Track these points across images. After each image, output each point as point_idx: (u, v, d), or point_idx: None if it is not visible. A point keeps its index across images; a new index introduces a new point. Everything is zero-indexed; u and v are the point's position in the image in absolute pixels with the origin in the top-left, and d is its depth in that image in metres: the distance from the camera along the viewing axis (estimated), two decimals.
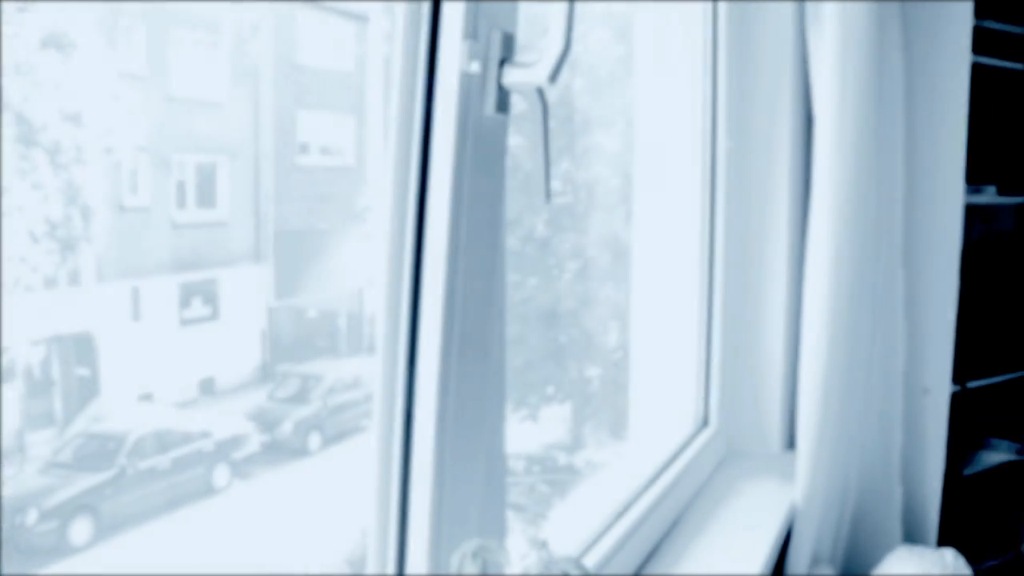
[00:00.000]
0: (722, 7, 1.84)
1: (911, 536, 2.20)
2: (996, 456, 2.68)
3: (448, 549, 0.81)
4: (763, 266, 1.94)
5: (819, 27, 1.76)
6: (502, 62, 0.82)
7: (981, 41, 2.45)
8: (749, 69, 1.90)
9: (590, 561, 1.27)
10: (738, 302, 1.94)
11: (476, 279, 0.83)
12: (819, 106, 1.75)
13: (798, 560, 1.78)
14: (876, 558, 1.88)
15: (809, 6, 1.81)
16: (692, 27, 1.82)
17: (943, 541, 2.25)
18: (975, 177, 2.53)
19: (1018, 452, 2.71)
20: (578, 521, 1.39)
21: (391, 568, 0.86)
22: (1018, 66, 2.61)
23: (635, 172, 1.86)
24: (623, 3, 2.03)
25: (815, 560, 1.86)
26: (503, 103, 0.83)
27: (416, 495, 0.84)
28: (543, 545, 0.68)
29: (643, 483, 1.55)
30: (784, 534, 1.71)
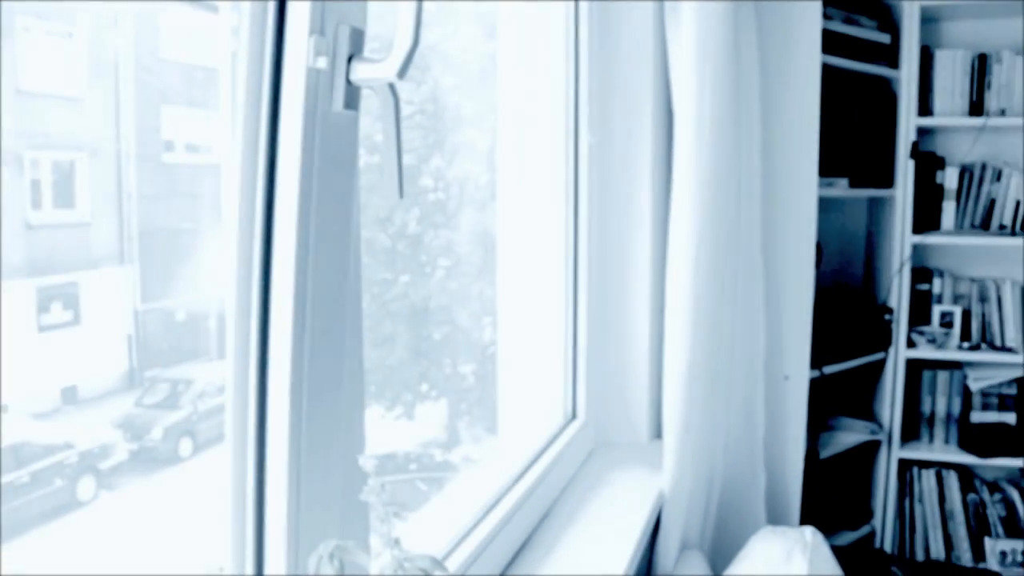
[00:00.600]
0: (583, 5, 1.89)
1: (775, 517, 2.29)
2: (852, 437, 2.84)
3: (307, 550, 0.81)
4: (627, 260, 1.99)
5: (677, 26, 1.82)
6: (350, 58, 0.82)
7: (831, 42, 2.60)
8: (611, 66, 1.95)
9: (459, 557, 1.29)
10: (603, 296, 1.99)
11: (327, 277, 0.83)
12: (678, 103, 1.82)
13: (667, 546, 1.84)
14: (743, 540, 1.94)
15: (668, 5, 1.88)
16: (554, 24, 1.86)
17: (805, 520, 2.38)
18: (828, 170, 2.67)
19: (872, 432, 2.89)
20: (448, 518, 1.40)
21: (250, 570, 0.85)
22: (865, 66, 2.77)
23: (499, 168, 1.88)
24: (487, 1, 2.05)
25: (684, 545, 1.93)
26: (352, 99, 0.83)
27: (272, 496, 0.83)
28: (396, 543, 0.69)
29: (512, 478, 1.57)
30: (653, 522, 1.76)
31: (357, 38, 0.83)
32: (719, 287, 1.87)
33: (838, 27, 2.70)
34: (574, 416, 1.96)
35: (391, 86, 0.84)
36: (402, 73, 0.80)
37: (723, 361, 1.99)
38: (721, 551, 2.15)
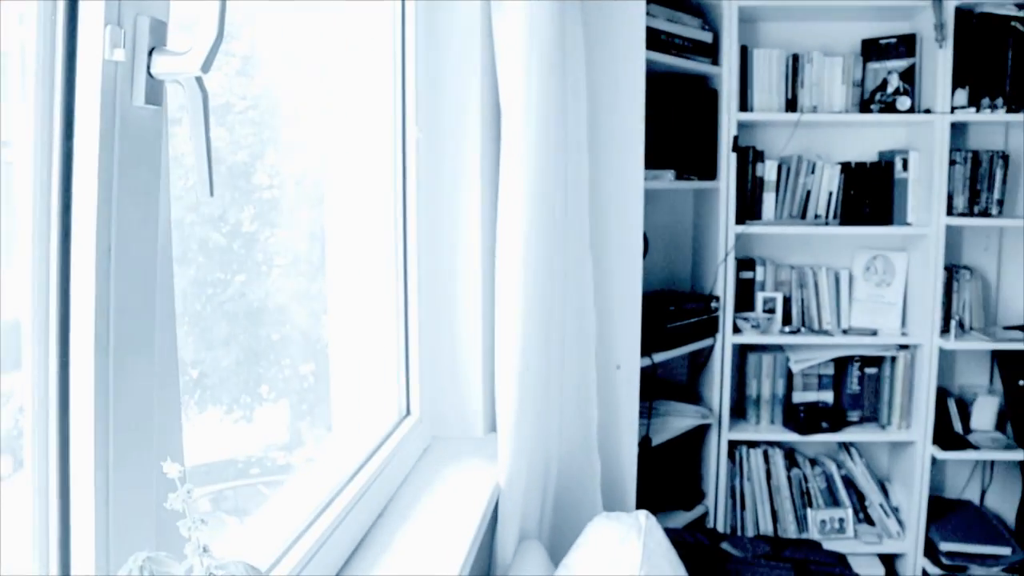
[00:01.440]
0: (410, 2, 1.90)
1: (612, 504, 2.38)
2: (683, 422, 2.99)
3: (119, 562, 0.79)
4: (458, 255, 2.01)
5: (504, 22, 1.86)
6: (152, 51, 0.80)
7: (655, 40, 2.71)
8: (438, 61, 1.96)
9: (292, 560, 1.28)
10: (434, 291, 2.00)
11: (133, 279, 0.80)
12: (505, 98, 1.86)
13: (506, 538, 1.87)
14: (581, 528, 1.99)
15: (494, 4, 1.91)
16: (381, 18, 1.86)
17: (641, 504, 2.48)
18: (654, 163, 2.79)
19: (703, 416, 3.05)
20: (282, 521, 1.39)
21: None
22: (689, 64, 2.91)
23: (328, 165, 1.87)
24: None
25: (523, 536, 1.97)
26: (155, 94, 0.81)
27: (78, 510, 0.80)
28: (205, 551, 0.68)
29: (345, 477, 1.57)
30: (491, 514, 1.80)
31: (159, 29, 0.81)
32: (549, 280, 1.92)
33: (662, 25, 2.82)
34: (408, 412, 1.97)
35: (199, 80, 0.83)
36: (206, 67, 0.79)
37: (555, 352, 2.05)
38: (560, 539, 2.21)
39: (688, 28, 2.92)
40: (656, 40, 2.77)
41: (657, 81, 3.01)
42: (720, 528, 3.16)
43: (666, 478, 3.12)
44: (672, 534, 2.63)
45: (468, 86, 1.97)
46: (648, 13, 2.67)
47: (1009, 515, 3.36)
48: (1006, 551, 3.08)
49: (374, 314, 1.89)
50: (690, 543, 2.62)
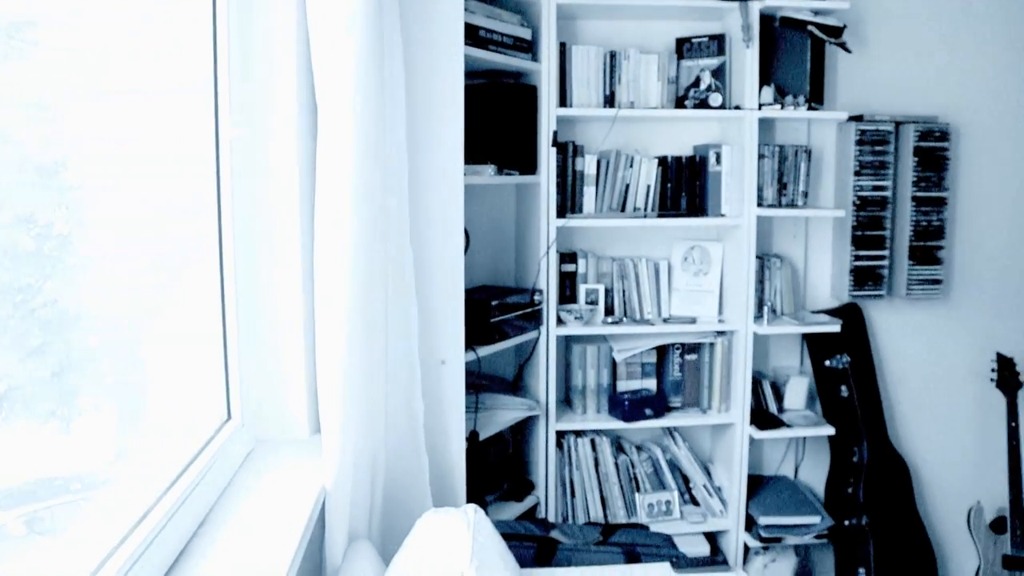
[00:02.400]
0: None
1: (443, 500, 2.43)
2: (511, 415, 3.09)
3: None
4: (278, 256, 2.01)
5: (320, 15, 1.88)
6: None
7: (475, 35, 2.78)
8: (253, 56, 1.96)
9: (109, 573, 1.27)
10: (253, 292, 2.00)
11: None
12: (321, 93, 1.87)
13: (335, 540, 1.89)
14: (411, 526, 2.02)
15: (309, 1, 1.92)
16: (194, 12, 1.85)
17: (472, 499, 2.55)
18: (476, 158, 2.87)
19: (530, 409, 3.16)
20: (98, 535, 1.37)
21: None
22: (509, 59, 3.01)
23: (141, 165, 1.84)
24: None
25: (352, 537, 2.00)
26: None
27: None
28: None
29: (163, 488, 1.57)
30: (318, 517, 1.81)
31: None
32: (369, 277, 1.95)
33: (481, 21, 2.90)
34: (229, 417, 1.96)
35: None
36: None
37: (378, 350, 2.08)
38: (391, 538, 2.25)
39: (508, 24, 3.01)
40: (475, 36, 2.85)
41: (477, 77, 3.11)
42: (551, 517, 3.28)
43: (496, 471, 3.22)
44: (503, 526, 2.73)
45: (284, 81, 1.98)
46: (467, 9, 2.74)
47: (820, 487, 3.66)
48: (816, 520, 3.36)
49: (191, 317, 1.88)
50: (521, 534, 2.72)
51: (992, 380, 3.62)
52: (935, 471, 3.83)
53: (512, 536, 2.67)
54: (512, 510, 3.13)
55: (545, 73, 3.11)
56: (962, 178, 3.69)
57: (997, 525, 3.46)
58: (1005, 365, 3.58)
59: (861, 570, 3.47)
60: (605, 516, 3.34)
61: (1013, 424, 3.47)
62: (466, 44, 2.65)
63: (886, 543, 3.47)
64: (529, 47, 3.10)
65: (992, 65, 3.68)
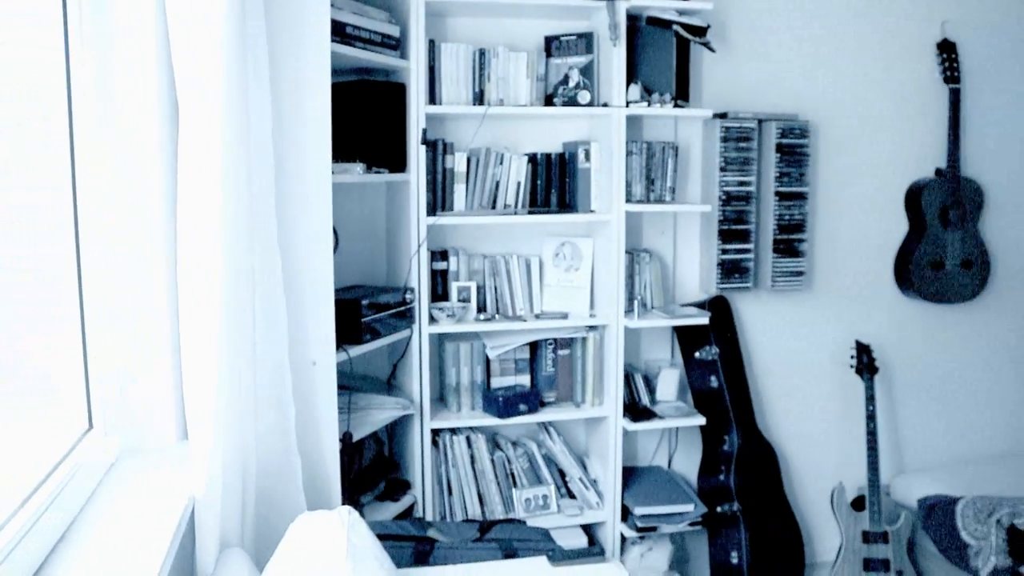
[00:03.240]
0: None
1: (317, 503, 2.44)
2: (385, 414, 3.14)
3: None
4: (140, 257, 2.01)
5: (179, 10, 1.87)
6: None
7: (342, 31, 2.81)
8: (111, 54, 1.95)
9: None
10: (114, 298, 1.99)
11: None
12: (182, 92, 1.87)
13: (206, 548, 1.88)
14: (285, 531, 2.01)
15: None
16: (46, 12, 1.82)
17: (349, 500, 2.58)
18: (344, 155, 2.90)
19: (404, 408, 3.22)
20: None
21: None
22: (377, 56, 3.04)
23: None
24: None
25: (224, 545, 2.00)
26: None
27: None
28: None
29: (15, 504, 1.55)
30: (187, 526, 1.81)
31: None
32: (235, 277, 1.96)
33: (348, 18, 2.92)
34: (91, 426, 1.95)
35: None
36: None
37: (246, 353, 2.09)
38: (265, 544, 2.26)
39: (375, 21, 3.04)
40: (343, 33, 2.88)
41: (346, 74, 3.14)
42: (429, 516, 3.34)
43: (371, 471, 3.26)
44: (379, 527, 2.77)
45: (143, 79, 1.97)
46: (334, 5, 2.77)
47: (693, 475, 3.84)
48: (690, 508, 3.52)
49: (48, 322, 1.86)
50: (398, 534, 2.77)
51: (851, 366, 3.87)
52: (801, 455, 4.07)
53: (389, 536, 2.72)
54: (389, 510, 3.18)
55: (414, 71, 3.16)
56: (821, 173, 3.93)
57: (857, 503, 3.70)
58: (863, 351, 3.83)
59: (734, 554, 3.66)
60: (483, 513, 3.42)
61: (871, 408, 3.72)
62: (333, 41, 2.68)
63: (757, 527, 3.67)
64: (398, 44, 3.15)
65: (846, 66, 3.92)
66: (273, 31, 2.27)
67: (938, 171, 4.05)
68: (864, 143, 3.99)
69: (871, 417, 3.72)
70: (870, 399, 3.73)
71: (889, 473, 4.15)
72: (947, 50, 4.01)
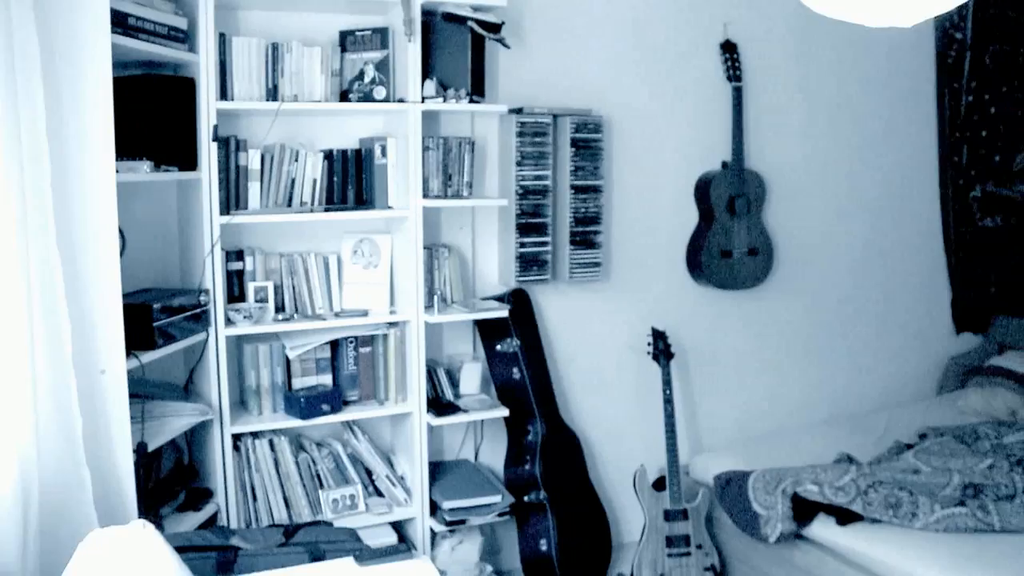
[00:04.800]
0: None
1: (110, 518, 2.43)
2: (182, 421, 3.13)
3: None
4: None
5: None
6: None
7: (125, 23, 2.77)
8: None
9: None
10: None
11: None
12: None
13: None
14: (74, 550, 1.96)
15: None
16: None
17: (145, 513, 2.56)
18: (129, 153, 2.86)
19: (202, 413, 3.21)
20: None
21: None
22: (164, 49, 3.01)
23: None
24: None
25: (4, 572, 1.98)
26: None
27: None
28: None
29: None
30: None
31: None
32: (11, 285, 1.94)
33: (130, 8, 2.86)
34: None
35: None
36: None
37: (21, 363, 2.07)
38: (52, 565, 2.20)
39: (161, 13, 2.99)
40: (125, 24, 2.83)
41: (130, 68, 3.09)
42: (234, 523, 3.34)
43: (170, 482, 3.24)
44: (179, 539, 2.76)
45: None
46: None
47: (499, 467, 4.01)
48: (497, 499, 3.67)
49: None
50: (199, 545, 2.76)
51: (648, 353, 4.14)
52: (604, 441, 4.32)
53: (189, 548, 2.71)
54: (191, 521, 3.16)
55: (204, 65, 3.14)
56: (615, 167, 4.17)
57: (658, 484, 3.97)
58: (659, 337, 4.11)
59: (543, 541, 3.85)
60: (289, 517, 3.45)
61: (668, 392, 4.00)
62: (114, 32, 2.63)
63: (564, 513, 3.87)
64: (186, 37, 3.12)
65: (639, 63, 4.18)
66: (46, 21, 2.23)
67: (724, 164, 4.39)
68: (656, 137, 4.27)
69: (668, 401, 3.99)
70: (667, 383, 4.01)
71: (688, 453, 4.46)
72: (730, 50, 4.35)
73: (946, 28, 5.12)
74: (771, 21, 4.48)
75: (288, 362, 3.46)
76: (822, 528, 3.64)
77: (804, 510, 3.68)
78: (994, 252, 5.64)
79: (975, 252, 5.59)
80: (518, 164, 3.77)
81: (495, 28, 3.60)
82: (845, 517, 3.60)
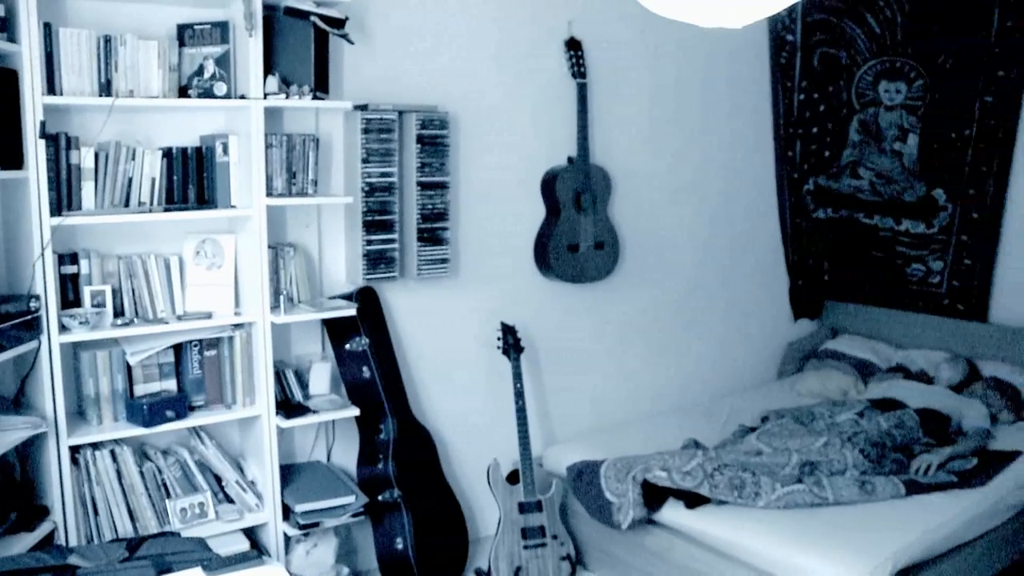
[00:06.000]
0: None
1: None
2: (12, 436, 3.00)
3: None
4: None
5: None
6: None
7: None
8: None
9: None
10: None
11: None
12: None
13: None
14: None
15: None
16: None
17: None
18: None
19: (35, 426, 3.10)
20: None
21: None
22: None
23: None
24: None
25: None
26: None
27: None
28: None
29: None
30: None
31: None
32: None
33: None
34: None
35: None
36: None
37: None
38: None
39: None
40: None
41: None
42: (74, 541, 3.22)
43: (1, 502, 3.11)
44: (8, 562, 2.66)
45: None
46: None
47: (352, 467, 4.01)
48: (351, 499, 3.67)
49: None
50: (32, 567, 2.66)
51: (499, 348, 4.21)
52: (458, 437, 4.37)
53: (21, 572, 2.61)
54: (24, 542, 3.03)
55: (27, 56, 3.00)
56: (462, 163, 4.22)
57: (512, 477, 4.05)
58: (508, 332, 4.18)
59: (399, 539, 3.87)
60: (135, 529, 3.35)
61: (519, 385, 4.08)
62: None
63: (419, 511, 3.90)
64: (4, 26, 2.99)
65: (485, 59, 4.24)
66: None
67: (570, 159, 4.50)
68: (503, 133, 4.34)
69: (519, 394, 4.08)
70: (517, 377, 4.09)
71: (541, 445, 4.57)
72: (574, 47, 4.47)
73: (778, 30, 5.40)
74: (615, 19, 4.62)
75: (129, 368, 3.36)
76: (672, 512, 3.80)
77: (654, 496, 3.83)
78: (826, 242, 5.99)
79: (810, 242, 5.92)
80: (364, 161, 3.77)
81: (339, 23, 3.59)
82: (693, 500, 3.77)
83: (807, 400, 5.16)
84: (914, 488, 3.86)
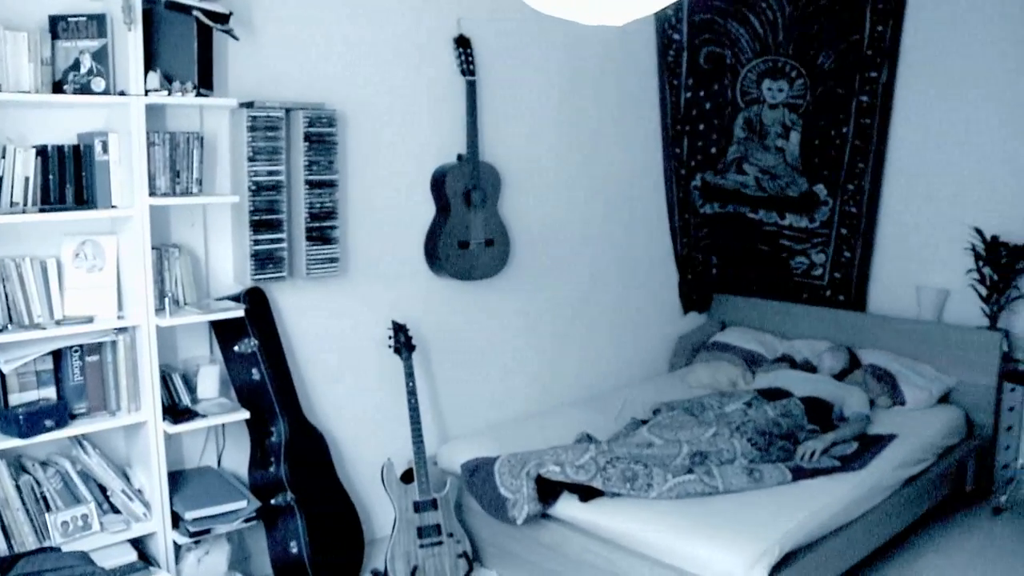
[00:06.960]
0: None
1: None
2: None
3: None
4: None
5: None
6: None
7: None
8: None
9: None
10: None
11: None
12: None
13: None
14: None
15: None
16: None
17: None
18: None
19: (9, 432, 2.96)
20: None
21: None
22: None
23: None
24: None
25: None
26: None
27: None
28: None
29: None
30: None
31: None
32: None
33: None
34: None
35: None
36: None
37: None
38: None
39: None
40: None
41: None
42: None
43: None
44: None
45: None
46: None
47: (244, 471, 3.95)
48: (242, 504, 3.61)
49: None
50: None
51: (390, 346, 4.21)
52: (351, 437, 4.35)
53: None
54: None
55: None
56: (351, 161, 4.20)
57: (407, 477, 4.06)
58: (400, 330, 4.19)
59: (293, 544, 3.83)
60: (10, 547, 3.23)
61: (411, 384, 4.09)
62: None
63: (313, 514, 3.87)
64: None
65: (374, 57, 4.23)
66: None
67: (460, 156, 4.53)
68: (392, 131, 4.34)
69: (412, 393, 4.08)
70: (409, 375, 4.10)
71: (435, 443, 4.58)
72: (463, 45, 4.49)
73: (665, 29, 5.53)
74: (503, 17, 4.66)
75: (3, 377, 3.25)
76: (566, 506, 3.87)
77: (548, 490, 3.89)
78: (714, 237, 6.17)
79: (698, 237, 6.08)
80: (250, 160, 3.72)
81: (223, 18, 3.53)
82: (587, 494, 3.85)
83: (698, 391, 5.31)
84: (800, 474, 4.02)
